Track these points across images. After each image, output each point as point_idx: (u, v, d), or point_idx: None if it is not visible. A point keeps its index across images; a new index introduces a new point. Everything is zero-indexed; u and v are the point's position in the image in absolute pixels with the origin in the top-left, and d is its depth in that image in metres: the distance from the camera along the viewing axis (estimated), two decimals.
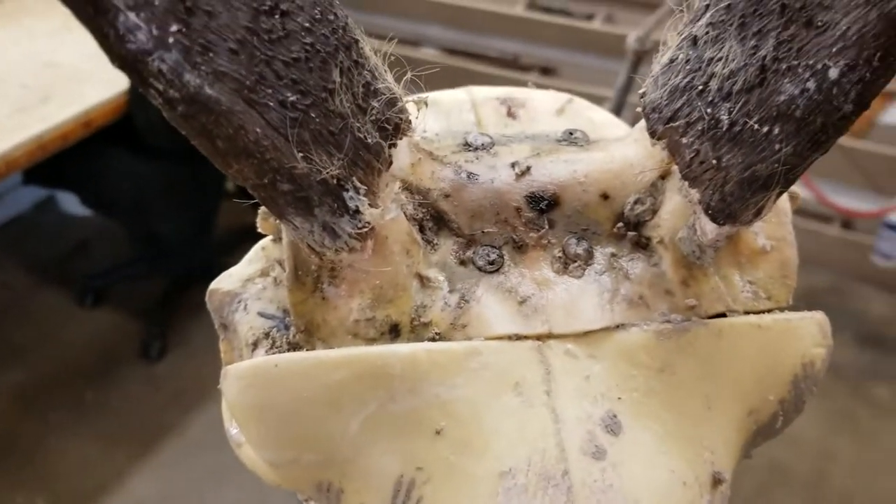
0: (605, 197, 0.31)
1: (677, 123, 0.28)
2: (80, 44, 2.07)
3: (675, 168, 0.30)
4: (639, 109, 0.31)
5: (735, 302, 0.30)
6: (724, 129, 0.26)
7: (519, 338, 0.29)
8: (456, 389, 0.28)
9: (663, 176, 0.31)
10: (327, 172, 0.26)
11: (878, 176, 2.36)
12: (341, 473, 0.29)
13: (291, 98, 0.24)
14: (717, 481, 0.29)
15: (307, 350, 0.29)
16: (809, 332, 0.31)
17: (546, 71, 2.64)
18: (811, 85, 0.25)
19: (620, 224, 0.31)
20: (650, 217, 0.31)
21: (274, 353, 0.31)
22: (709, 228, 0.29)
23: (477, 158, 0.32)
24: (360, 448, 0.28)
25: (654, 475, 0.28)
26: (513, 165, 0.32)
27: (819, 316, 0.31)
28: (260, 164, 0.25)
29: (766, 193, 0.27)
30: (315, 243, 0.28)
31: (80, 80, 1.93)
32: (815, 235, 2.51)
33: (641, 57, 1.34)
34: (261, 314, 0.33)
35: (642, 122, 0.32)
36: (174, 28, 0.22)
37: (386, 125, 0.28)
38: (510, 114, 0.38)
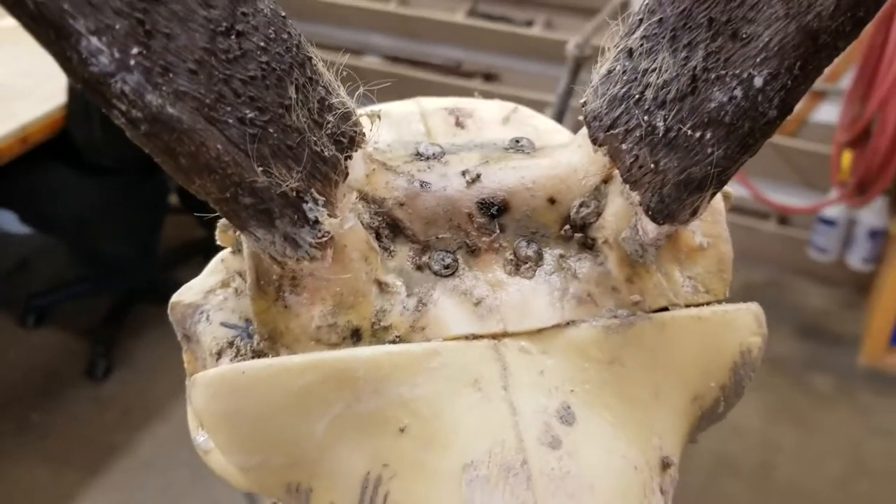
0: (552, 201, 0.33)
1: (617, 131, 0.30)
2: (14, 61, 2.04)
3: (616, 172, 0.32)
4: (580, 117, 0.32)
5: (676, 296, 0.32)
6: (660, 135, 0.28)
7: (475, 337, 0.31)
8: (417, 388, 0.29)
9: (606, 180, 0.33)
10: (287, 185, 0.27)
11: (810, 172, 2.43)
12: (310, 474, 0.30)
13: (250, 115, 0.25)
14: (665, 465, 0.31)
15: (272, 357, 0.30)
16: (746, 323, 0.33)
17: (489, 77, 2.67)
18: (738, 93, 0.26)
19: (567, 227, 0.33)
20: (595, 219, 0.33)
21: (239, 361, 0.32)
22: (650, 228, 0.30)
23: (429, 168, 0.34)
24: (327, 448, 0.29)
25: (607, 461, 0.29)
26: (463, 173, 0.33)
27: (754, 307, 0.33)
28: (222, 178, 0.26)
29: (701, 194, 0.29)
30: (277, 253, 0.29)
31: (15, 98, 1.90)
32: (753, 232, 2.58)
33: (581, 62, 1.37)
34: (223, 324, 0.34)
35: (584, 129, 0.34)
36: (135, 51, 0.23)
37: (341, 138, 0.29)
38: (458, 123, 0.40)
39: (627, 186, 0.30)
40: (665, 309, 0.32)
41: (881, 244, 2.39)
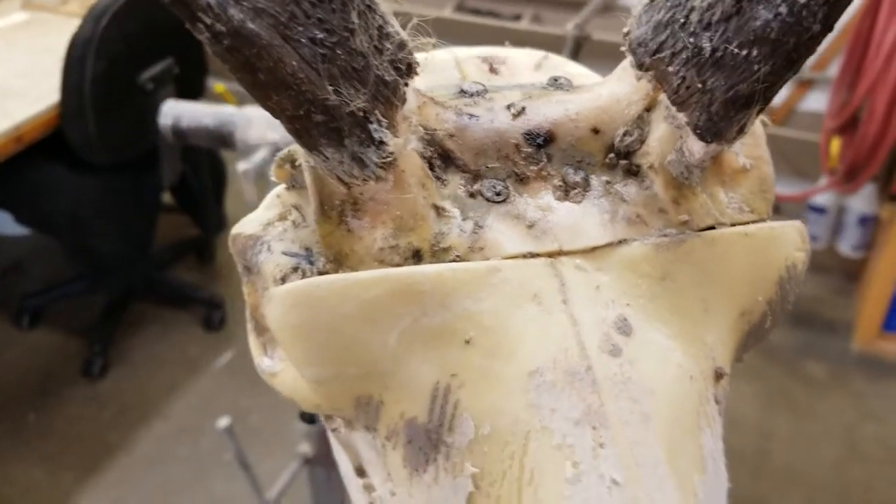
0: (595, 131, 0.34)
1: (663, 54, 0.31)
2: (8, 61, 2.04)
3: (660, 98, 0.33)
4: (623, 48, 0.33)
5: (722, 216, 0.33)
6: (706, 55, 0.29)
7: (532, 255, 0.32)
8: (481, 302, 0.30)
9: (648, 108, 0.34)
10: (354, 105, 0.28)
11: (799, 161, 2.46)
12: (381, 386, 0.31)
13: (319, 36, 0.26)
14: (719, 375, 0.32)
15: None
16: (791, 238, 0.34)
17: None
18: (783, 9, 0.28)
19: (612, 155, 0.34)
20: (638, 146, 0.34)
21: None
22: (696, 149, 0.32)
23: (474, 103, 0.35)
24: (397, 360, 0.30)
25: (664, 369, 0.30)
26: (508, 107, 0.35)
27: (798, 224, 0.35)
28: (297, 95, 0.27)
29: (748, 111, 0.30)
30: (344, 174, 0.30)
31: (9, 97, 1.90)
32: None
33: (581, 43, 1.38)
34: (285, 253, 0.34)
35: (623, 64, 0.35)
36: None
37: (399, 65, 0.30)
38: (492, 70, 0.41)
39: (674, 109, 0.31)
40: (712, 228, 0.33)
41: (871, 231, 2.42)
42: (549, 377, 0.29)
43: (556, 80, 0.38)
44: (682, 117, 0.31)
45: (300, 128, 0.28)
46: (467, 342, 0.30)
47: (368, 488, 0.36)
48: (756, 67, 0.29)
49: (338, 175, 0.30)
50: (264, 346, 0.36)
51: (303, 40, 0.26)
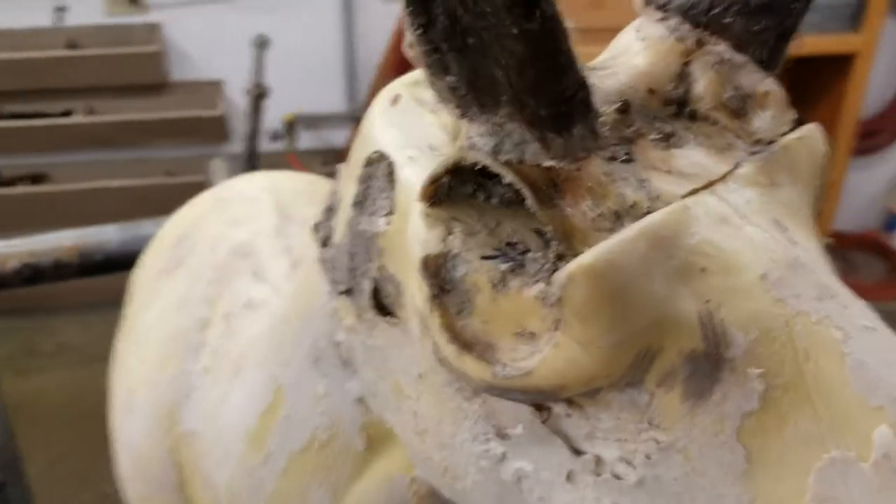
0: (651, 91, 0.40)
1: (716, 10, 0.39)
2: None
3: (705, 50, 0.40)
4: (658, 19, 0.41)
5: (774, 130, 0.42)
6: (752, 4, 0.38)
7: (695, 192, 0.37)
8: (696, 235, 0.34)
9: (686, 63, 0.41)
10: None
11: None
12: (660, 333, 0.34)
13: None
14: (826, 248, 0.41)
15: (572, 257, 0.34)
16: (819, 134, 0.43)
17: (36, 179, 2.47)
18: None
19: (673, 106, 0.41)
20: (688, 96, 0.41)
21: (537, 279, 0.34)
22: (751, 80, 0.40)
23: None
24: (666, 304, 0.33)
25: (816, 246, 0.39)
26: None
27: (816, 124, 0.44)
28: (574, 74, 0.32)
29: (790, 41, 0.40)
30: (580, 148, 0.33)
31: None
32: None
33: (260, 100, 1.38)
34: (484, 257, 0.35)
35: (628, 38, 0.42)
36: None
37: None
38: None
39: (731, 52, 0.39)
40: (773, 142, 0.42)
41: None
42: (776, 274, 0.35)
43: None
44: (740, 58, 0.40)
45: (565, 110, 0.31)
46: (703, 270, 0.34)
47: (597, 461, 0.38)
48: (793, 6, 0.38)
49: (573, 153, 0.33)
50: (482, 357, 0.36)
51: (567, 32, 0.30)
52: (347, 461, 0.53)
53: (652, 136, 0.39)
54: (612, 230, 0.35)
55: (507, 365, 0.35)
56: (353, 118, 2.65)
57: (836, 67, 2.51)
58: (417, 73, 0.46)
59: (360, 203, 0.43)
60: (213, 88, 2.49)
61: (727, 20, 0.39)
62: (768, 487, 0.34)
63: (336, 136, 2.70)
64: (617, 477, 0.37)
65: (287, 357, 0.54)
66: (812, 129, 0.43)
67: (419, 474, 0.50)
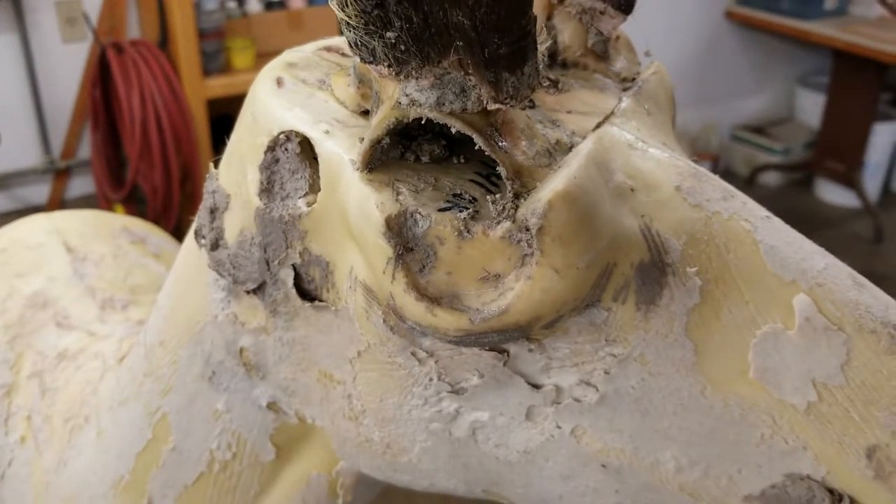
0: None
1: None
2: None
3: (563, 4, 0.43)
4: None
5: (630, 68, 0.46)
6: None
7: (599, 125, 0.40)
8: (615, 161, 0.38)
9: (549, 18, 0.44)
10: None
11: None
12: (615, 249, 0.36)
13: None
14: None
15: (526, 194, 0.35)
16: (666, 71, 0.48)
17: None
18: None
19: (546, 58, 0.44)
20: (556, 46, 0.44)
21: (499, 220, 0.35)
22: (609, 26, 0.44)
23: None
24: (615, 221, 0.36)
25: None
26: None
27: (660, 62, 0.49)
28: (531, 10, 0.32)
29: None
30: (528, 86, 0.34)
31: None
32: None
33: None
34: (441, 209, 0.35)
35: None
36: None
37: None
38: None
39: (595, 1, 0.43)
40: (634, 79, 0.46)
41: None
42: (687, 184, 0.39)
43: None
44: (600, 5, 0.44)
45: (524, 46, 0.33)
46: (633, 190, 0.38)
47: (558, 391, 0.39)
48: None
49: (522, 91, 0.34)
50: (452, 307, 0.36)
51: None
52: (254, 478, 0.50)
53: (543, 85, 0.42)
54: (550, 165, 0.37)
55: (481, 309, 0.36)
56: (52, 171, 2.44)
57: None
58: (287, 57, 0.45)
59: (268, 190, 0.41)
60: None
61: None
62: (716, 372, 0.38)
63: (34, 194, 2.47)
64: (577, 400, 0.39)
65: (169, 383, 0.50)
66: (660, 66, 0.48)
67: (344, 466, 0.49)
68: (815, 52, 3.38)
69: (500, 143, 0.36)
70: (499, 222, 0.36)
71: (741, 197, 0.40)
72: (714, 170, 3.39)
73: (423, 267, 0.36)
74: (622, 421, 0.39)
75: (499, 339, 0.37)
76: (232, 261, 0.44)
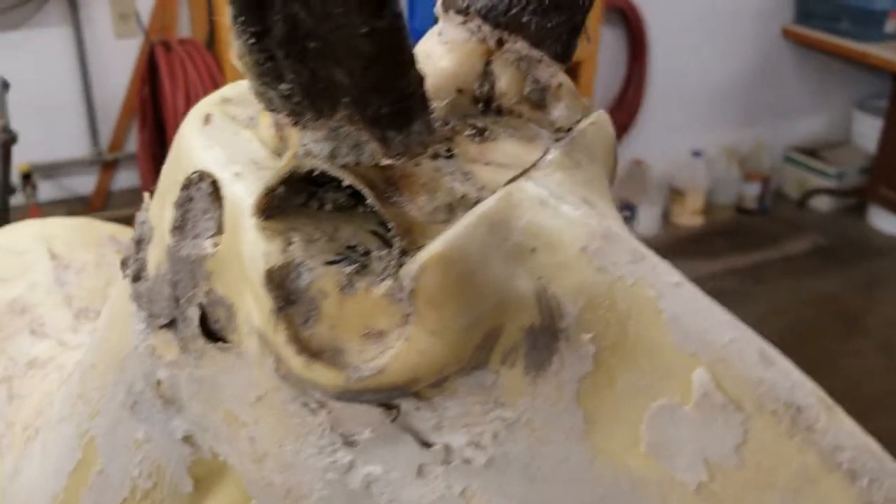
0: (459, 91, 0.43)
1: (514, 11, 0.42)
2: None
3: (506, 48, 0.43)
4: (459, 22, 0.43)
5: (570, 117, 0.45)
6: (546, 3, 0.42)
7: (514, 179, 0.39)
8: (521, 219, 0.37)
9: (488, 63, 0.44)
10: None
11: None
12: (502, 312, 0.35)
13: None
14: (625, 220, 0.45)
15: (415, 251, 0.35)
16: (607, 117, 0.47)
17: None
18: None
19: (480, 104, 0.43)
20: (493, 93, 0.43)
21: (384, 277, 0.35)
22: (547, 74, 0.43)
23: None
24: (506, 284, 0.35)
25: (618, 218, 0.42)
26: None
27: (603, 111, 0.48)
28: (415, 71, 0.32)
29: (580, 35, 0.43)
30: (417, 143, 0.34)
31: None
32: None
33: (9, 146, 1.25)
34: (328, 262, 0.35)
35: (431, 43, 0.44)
36: None
37: None
38: None
39: (528, 48, 0.42)
40: (571, 129, 0.45)
41: None
42: (594, 245, 0.38)
43: None
44: (537, 54, 0.43)
45: (407, 106, 0.32)
46: (533, 250, 0.37)
47: (447, 450, 0.39)
48: (581, 2, 0.42)
49: (412, 148, 0.34)
50: (334, 362, 0.36)
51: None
52: None
53: (467, 133, 0.41)
54: (447, 221, 0.36)
55: (360, 367, 0.35)
56: (99, 162, 2.51)
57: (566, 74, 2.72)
58: (226, 91, 0.45)
59: (181, 228, 0.42)
60: None
61: (525, 19, 0.42)
62: (606, 442, 0.37)
63: (80, 184, 2.54)
64: (467, 461, 0.39)
65: (97, 407, 0.50)
66: (601, 115, 0.47)
67: None
68: (874, 75, 3.28)
69: (393, 199, 0.36)
70: (383, 279, 0.35)
71: (652, 260, 0.39)
72: (764, 191, 3.37)
73: (307, 319, 0.36)
74: (511, 486, 0.38)
75: (378, 397, 0.37)
76: (148, 294, 0.44)
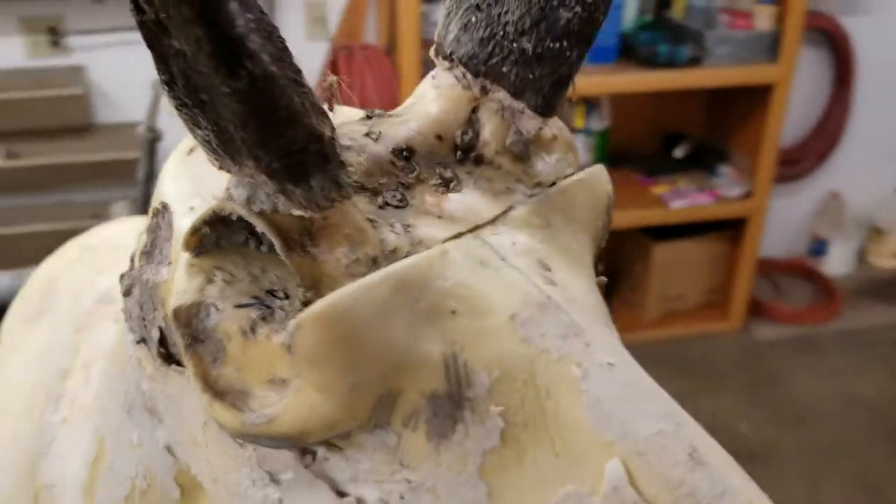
0: (439, 138, 0.41)
1: (494, 61, 0.40)
2: None
3: (491, 97, 0.41)
4: (446, 68, 0.42)
5: (557, 173, 0.43)
6: (529, 54, 0.39)
7: (459, 235, 0.38)
8: (448, 280, 0.35)
9: (474, 111, 0.42)
10: (328, 134, 0.32)
11: None
12: (400, 376, 0.34)
13: (297, 77, 0.30)
14: (601, 285, 0.42)
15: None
16: (603, 175, 0.45)
17: None
18: (578, 8, 0.39)
19: (459, 152, 0.42)
20: (476, 141, 0.42)
21: (285, 324, 0.34)
22: (530, 126, 0.41)
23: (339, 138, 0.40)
24: (409, 348, 0.34)
25: (582, 286, 0.39)
26: (368, 135, 0.40)
27: (600, 166, 0.46)
28: (303, 128, 0.31)
29: (567, 87, 0.41)
30: (323, 199, 0.33)
31: None
32: None
33: (154, 143, 1.37)
34: (238, 306, 0.35)
35: (427, 85, 0.43)
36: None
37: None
38: None
39: (510, 99, 0.41)
40: (554, 184, 0.43)
41: None
42: (525, 314, 0.36)
43: (371, 113, 0.44)
44: (518, 104, 0.41)
45: (298, 161, 0.31)
46: (453, 313, 0.35)
47: (357, 503, 0.38)
48: (569, 54, 0.39)
49: (316, 202, 0.33)
50: (235, 405, 0.36)
51: (294, 81, 0.30)
52: None
53: (432, 182, 0.40)
54: (365, 275, 0.35)
55: (255, 412, 0.35)
56: None
57: (756, 97, 2.57)
58: None
59: (149, 253, 0.43)
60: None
61: (505, 69, 0.40)
62: None
63: None
64: None
65: (106, 407, 0.54)
66: (594, 172, 0.44)
67: None
68: None
69: (308, 248, 0.35)
70: (284, 329, 0.35)
71: (591, 336, 0.36)
72: None
73: (216, 359, 0.36)
74: None
75: (276, 444, 0.36)
76: (128, 311, 0.46)
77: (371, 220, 0.37)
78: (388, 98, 2.30)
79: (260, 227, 0.35)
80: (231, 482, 0.42)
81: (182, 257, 0.38)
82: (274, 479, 0.40)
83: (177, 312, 0.36)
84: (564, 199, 0.42)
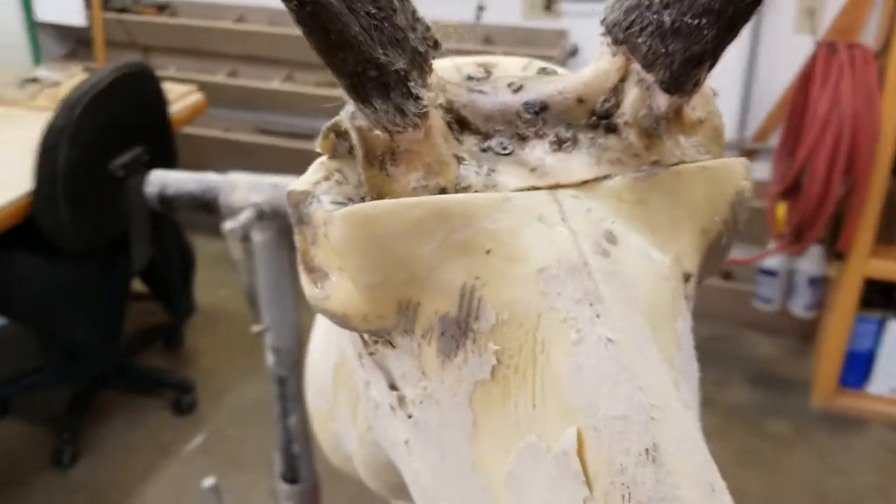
0: (580, 101, 0.41)
1: (633, 29, 0.38)
2: None
3: (631, 69, 0.40)
4: (600, 33, 0.41)
5: (684, 155, 0.41)
6: (667, 27, 0.37)
7: (536, 189, 0.38)
8: (497, 222, 0.37)
9: (622, 79, 0.41)
10: (398, 65, 0.35)
11: (749, 228, 2.56)
12: (419, 289, 0.37)
13: (372, 10, 0.34)
14: (686, 277, 0.40)
15: None
16: (740, 170, 0.41)
17: None
18: None
19: (594, 117, 0.41)
20: (615, 109, 0.41)
21: None
22: (662, 102, 0.39)
23: (480, 83, 0.42)
24: (432, 268, 0.37)
25: (645, 267, 0.38)
26: (509, 85, 0.42)
27: (744, 159, 0.42)
28: (357, 54, 0.34)
29: (701, 68, 0.38)
30: (389, 122, 0.37)
31: None
32: (699, 289, 2.69)
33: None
34: (333, 202, 0.41)
35: (600, 49, 0.42)
36: None
37: (427, 42, 0.37)
38: (487, 71, 0.48)
39: (644, 71, 0.39)
40: (678, 165, 0.40)
41: (821, 290, 2.53)
42: (554, 272, 0.36)
43: (544, 69, 0.45)
44: (650, 77, 0.38)
45: (357, 83, 0.35)
46: (488, 252, 0.37)
47: (401, 399, 0.42)
48: (705, 32, 0.36)
49: (383, 124, 0.37)
50: (315, 281, 0.41)
51: (361, 13, 0.33)
52: None
53: (550, 139, 0.41)
54: None
55: (318, 290, 0.40)
56: (740, 148, 2.56)
57: None
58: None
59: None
60: None
61: (640, 40, 0.39)
62: (484, 455, 0.38)
63: None
64: (409, 416, 0.42)
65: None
66: (727, 163, 0.41)
67: None
68: None
69: (387, 165, 0.38)
70: None
71: (603, 309, 0.35)
72: None
73: (314, 242, 0.41)
74: (429, 454, 0.41)
75: (337, 322, 0.41)
76: None
77: (459, 157, 0.39)
78: (863, 102, 2.08)
79: (353, 137, 0.39)
80: (350, 356, 0.49)
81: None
82: (360, 353, 0.46)
83: (290, 194, 0.42)
84: (675, 183, 0.40)
